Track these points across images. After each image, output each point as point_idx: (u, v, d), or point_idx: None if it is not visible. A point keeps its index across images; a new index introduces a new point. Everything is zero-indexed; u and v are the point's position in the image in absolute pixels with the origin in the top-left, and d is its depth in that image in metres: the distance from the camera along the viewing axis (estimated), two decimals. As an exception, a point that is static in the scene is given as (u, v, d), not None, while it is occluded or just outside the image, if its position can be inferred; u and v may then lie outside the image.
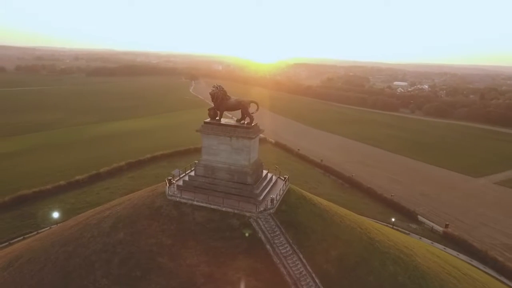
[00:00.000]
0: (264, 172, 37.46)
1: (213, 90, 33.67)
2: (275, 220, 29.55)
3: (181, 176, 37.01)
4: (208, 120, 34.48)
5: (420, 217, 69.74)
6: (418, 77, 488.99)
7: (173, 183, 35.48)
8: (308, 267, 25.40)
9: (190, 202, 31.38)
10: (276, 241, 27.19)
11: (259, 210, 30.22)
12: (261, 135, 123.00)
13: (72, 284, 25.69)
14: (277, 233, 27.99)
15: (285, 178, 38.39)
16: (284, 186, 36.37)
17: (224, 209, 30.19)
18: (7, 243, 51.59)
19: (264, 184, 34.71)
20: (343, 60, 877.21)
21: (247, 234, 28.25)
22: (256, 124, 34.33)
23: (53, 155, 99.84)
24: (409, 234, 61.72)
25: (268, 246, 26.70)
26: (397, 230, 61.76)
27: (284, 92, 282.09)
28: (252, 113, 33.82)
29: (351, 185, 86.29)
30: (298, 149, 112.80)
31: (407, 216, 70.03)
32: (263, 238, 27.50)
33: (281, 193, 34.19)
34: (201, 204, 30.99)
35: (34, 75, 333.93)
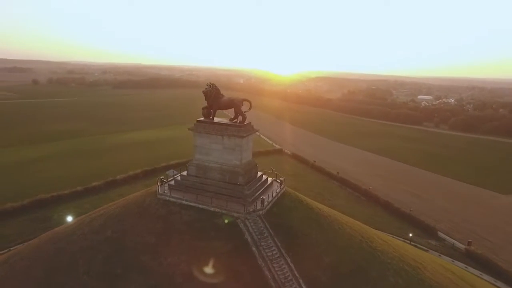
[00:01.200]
0: (259, 174, 36.55)
1: (206, 88, 33.22)
2: (264, 222, 28.42)
3: (175, 176, 36.80)
4: (201, 119, 34.06)
5: (440, 233, 65.83)
6: (444, 91, 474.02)
7: (165, 182, 35.17)
8: (295, 272, 23.96)
9: (179, 201, 31.01)
10: (263, 243, 25.98)
11: (248, 211, 29.31)
12: (277, 146, 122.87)
13: (54, 280, 25.55)
14: (265, 235, 26.77)
15: (280, 180, 37.23)
16: (279, 188, 35.19)
17: (212, 209, 29.55)
18: (22, 245, 52.95)
19: (257, 185, 33.67)
20: (366, 74, 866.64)
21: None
22: (250, 123, 33.62)
23: (74, 162, 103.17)
24: (428, 250, 58.29)
25: (253, 248, 25.60)
26: (415, 246, 58.62)
27: (304, 105, 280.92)
28: (245, 111, 33.22)
29: (367, 198, 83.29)
30: (314, 161, 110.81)
31: (427, 232, 66.30)
32: (249, 239, 26.44)
33: (273, 195, 33.09)
34: (190, 204, 30.53)
35: (64, 87, 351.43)
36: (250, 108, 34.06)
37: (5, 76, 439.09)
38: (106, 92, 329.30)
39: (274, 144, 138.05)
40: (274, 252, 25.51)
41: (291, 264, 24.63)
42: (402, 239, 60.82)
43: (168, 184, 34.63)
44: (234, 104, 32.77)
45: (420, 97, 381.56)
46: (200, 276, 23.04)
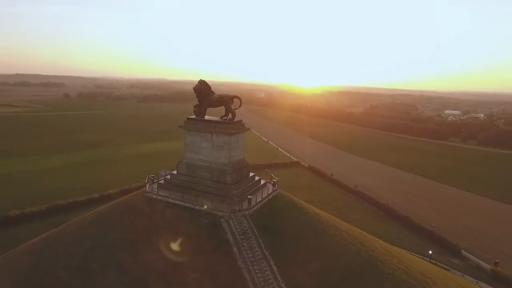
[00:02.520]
0: (252, 174, 35.66)
1: (196, 85, 33.02)
2: (249, 222, 27.16)
3: (166, 175, 36.57)
4: (192, 117, 33.76)
5: (464, 252, 61.55)
6: (472, 105, 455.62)
7: (155, 181, 34.98)
8: (277, 276, 22.38)
9: (165, 199, 30.67)
10: (245, 244, 24.71)
11: (232, 210, 28.24)
12: (294, 159, 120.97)
13: (35, 274, 25.62)
14: (248, 235, 25.46)
15: (273, 182, 35.95)
16: (270, 190, 33.96)
17: (197, 207, 28.88)
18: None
19: (247, 185, 32.57)
20: (390, 88, 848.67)
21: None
22: (241, 121, 32.87)
23: (94, 170, 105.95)
24: (449, 269, 54.51)
25: (234, 249, 24.41)
26: (435, 264, 55.04)
27: (325, 119, 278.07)
28: (235, 108, 32.57)
29: (386, 213, 79.71)
30: (332, 174, 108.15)
31: (449, 249, 62.09)
32: (231, 239, 25.29)
33: (263, 196, 31.87)
34: (175, 202, 30.08)
35: (93, 101, 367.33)
36: (239, 106, 33.39)
37: (40, 90, 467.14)
38: (131, 105, 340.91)
39: (291, 157, 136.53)
40: (256, 254, 24.15)
41: (274, 267, 23.13)
42: (421, 256, 57.24)
43: (158, 182, 34.42)
44: (224, 101, 32.11)
45: (447, 111, 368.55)
46: (174, 274, 22.20)
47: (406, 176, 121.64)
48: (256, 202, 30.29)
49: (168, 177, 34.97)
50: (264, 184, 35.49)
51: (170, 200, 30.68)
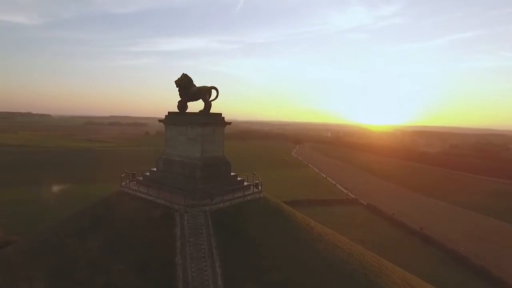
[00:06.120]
0: (233, 174, 33.25)
1: (178, 78, 32.07)
2: (207, 219, 24.27)
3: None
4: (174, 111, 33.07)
5: (561, 318, 47.56)
6: None
7: (133, 179, 34.92)
8: (219, 278, 18.75)
9: (134, 193, 30.30)
10: (191, 240, 21.68)
11: (190, 204, 25.99)
12: (352, 196, 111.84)
13: (5, 254, 26.59)
14: (199, 232, 22.36)
15: (256, 183, 32.57)
16: (250, 191, 30.82)
17: (158, 200, 27.62)
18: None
19: (222, 183, 29.79)
20: (475, 128, 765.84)
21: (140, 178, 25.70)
22: (219, 114, 31.09)
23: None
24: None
25: (178, 243, 21.67)
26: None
27: (394, 158, 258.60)
28: (211, 100, 30.83)
29: (455, 260, 67.06)
30: (393, 213, 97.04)
31: (539, 312, 48.84)
32: (178, 233, 22.68)
33: (235, 196, 28.92)
34: (142, 196, 29.41)
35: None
36: (216, 97, 31.56)
37: (127, 129, 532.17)
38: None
39: (349, 194, 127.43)
40: (201, 252, 21.06)
41: (218, 269, 19.68)
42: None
43: (137, 179, 34.35)
44: (201, 93, 30.84)
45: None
46: (103, 264, 20.45)
47: (488, 221, 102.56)
48: (222, 199, 27.58)
49: (147, 174, 34.73)
50: (247, 187, 32.53)
51: (138, 193, 30.30)
